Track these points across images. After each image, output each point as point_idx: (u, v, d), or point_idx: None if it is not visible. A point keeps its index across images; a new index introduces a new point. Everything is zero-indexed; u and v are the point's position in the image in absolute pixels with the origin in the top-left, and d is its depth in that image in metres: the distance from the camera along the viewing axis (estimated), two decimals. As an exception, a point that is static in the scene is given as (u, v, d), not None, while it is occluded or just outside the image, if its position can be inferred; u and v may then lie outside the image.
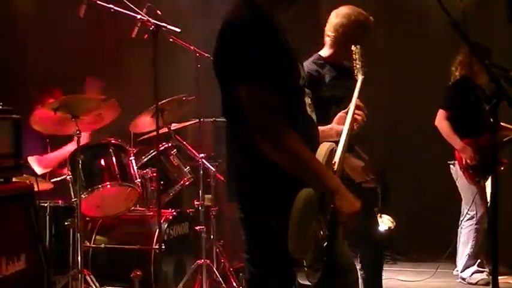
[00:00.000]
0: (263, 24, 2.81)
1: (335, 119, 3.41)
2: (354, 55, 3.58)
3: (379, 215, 7.41)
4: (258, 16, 2.83)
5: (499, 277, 2.91)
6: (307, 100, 2.99)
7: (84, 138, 5.21)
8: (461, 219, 5.91)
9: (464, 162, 5.78)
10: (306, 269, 2.82)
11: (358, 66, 3.57)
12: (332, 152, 2.98)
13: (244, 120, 2.76)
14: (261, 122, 2.72)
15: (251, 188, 2.89)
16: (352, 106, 3.34)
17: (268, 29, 2.82)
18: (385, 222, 7.37)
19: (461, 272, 6.02)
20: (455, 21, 2.91)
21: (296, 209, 2.73)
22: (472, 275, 5.98)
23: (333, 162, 2.99)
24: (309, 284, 2.90)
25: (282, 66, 2.82)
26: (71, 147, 5.46)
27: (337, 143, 3.11)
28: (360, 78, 3.54)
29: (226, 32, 2.83)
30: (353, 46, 3.60)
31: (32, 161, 5.28)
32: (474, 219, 5.92)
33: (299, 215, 2.73)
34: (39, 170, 5.36)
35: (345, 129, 3.22)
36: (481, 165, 5.63)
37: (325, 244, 2.88)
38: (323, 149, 2.93)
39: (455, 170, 5.89)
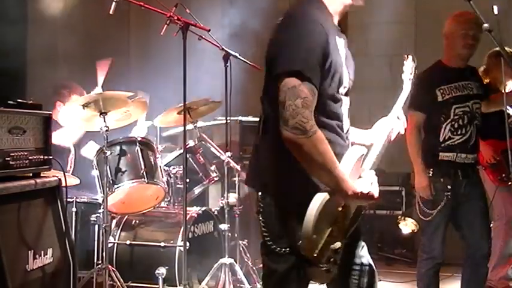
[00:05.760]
0: (323, 27, 2.85)
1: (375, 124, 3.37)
2: (406, 64, 3.54)
3: (403, 218, 7.39)
4: (321, 17, 2.90)
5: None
6: (345, 108, 3.02)
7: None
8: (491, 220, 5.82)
9: (485, 162, 5.71)
10: (316, 267, 2.85)
11: (408, 75, 3.54)
12: (361, 158, 3.00)
13: (277, 111, 2.78)
14: (292, 115, 2.72)
15: (274, 180, 2.92)
16: (393, 115, 3.33)
17: (326, 32, 2.85)
18: (409, 226, 7.34)
19: (489, 274, 5.89)
20: (489, 28, 2.91)
21: (314, 206, 2.75)
22: (500, 279, 5.89)
23: (362, 168, 3.02)
24: (319, 283, 2.98)
25: (327, 71, 2.84)
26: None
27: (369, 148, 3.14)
28: (407, 88, 3.50)
29: (285, 25, 2.90)
30: (405, 56, 3.57)
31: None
32: (503, 219, 5.83)
33: (316, 214, 2.74)
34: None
35: (381, 141, 3.21)
36: (505, 165, 5.54)
37: (339, 246, 2.92)
38: (353, 153, 2.95)
39: (482, 173, 5.83)
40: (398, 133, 3.35)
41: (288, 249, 2.89)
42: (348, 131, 3.07)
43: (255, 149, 3.10)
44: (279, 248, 2.91)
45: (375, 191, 2.92)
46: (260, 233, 2.99)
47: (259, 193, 2.97)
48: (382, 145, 3.19)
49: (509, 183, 5.48)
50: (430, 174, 4.82)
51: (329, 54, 2.85)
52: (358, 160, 2.98)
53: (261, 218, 2.96)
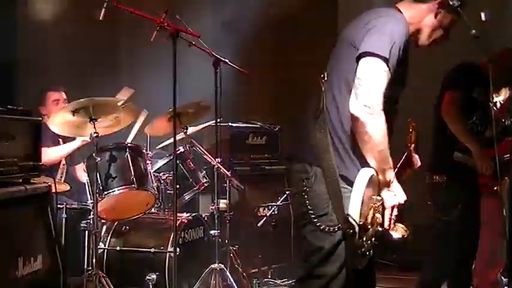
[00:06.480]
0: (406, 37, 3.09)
1: None
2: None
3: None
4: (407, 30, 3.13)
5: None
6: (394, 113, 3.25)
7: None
8: None
9: None
10: (358, 240, 3.00)
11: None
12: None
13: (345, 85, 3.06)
14: (368, 94, 2.92)
15: (326, 155, 3.06)
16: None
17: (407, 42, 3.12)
18: (399, 231, 7.33)
19: (477, 280, 5.90)
20: (478, 35, 2.95)
21: (363, 177, 2.98)
22: (490, 285, 5.87)
23: None
24: (354, 265, 3.11)
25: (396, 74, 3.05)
26: (74, 144, 5.48)
27: None
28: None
29: (384, 16, 3.12)
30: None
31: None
32: (489, 224, 5.81)
33: (365, 182, 2.97)
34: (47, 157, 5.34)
35: None
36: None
37: (373, 234, 3.08)
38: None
39: None
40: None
41: (333, 227, 3.06)
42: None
43: (308, 121, 3.24)
44: (324, 226, 3.07)
45: (399, 196, 3.13)
46: (304, 213, 3.14)
47: (305, 172, 3.13)
48: None
49: (495, 188, 5.50)
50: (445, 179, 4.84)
51: (406, 58, 3.12)
52: None
53: (305, 197, 3.13)
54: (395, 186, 3.12)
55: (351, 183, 3.01)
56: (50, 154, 5.43)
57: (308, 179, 3.12)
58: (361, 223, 2.97)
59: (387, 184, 3.08)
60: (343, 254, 3.09)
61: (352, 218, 2.94)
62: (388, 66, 2.95)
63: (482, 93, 4.79)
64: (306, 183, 3.13)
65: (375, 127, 2.93)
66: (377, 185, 3.07)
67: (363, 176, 2.98)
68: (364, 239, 3.02)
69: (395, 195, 3.11)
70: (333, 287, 3.11)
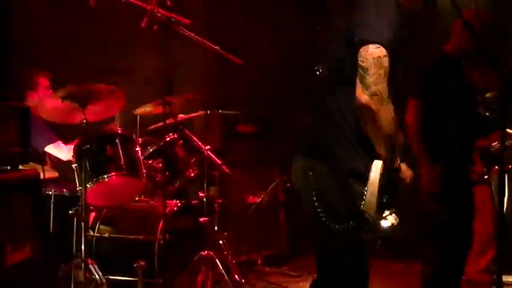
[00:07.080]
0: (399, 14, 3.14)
1: None
2: None
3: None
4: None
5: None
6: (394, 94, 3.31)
7: None
8: None
9: None
10: (370, 233, 3.07)
11: None
12: None
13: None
14: (375, 82, 2.96)
15: (334, 148, 3.11)
16: None
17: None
18: (388, 220, 7.35)
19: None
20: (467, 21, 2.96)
21: (377, 169, 3.01)
22: (479, 272, 5.89)
23: None
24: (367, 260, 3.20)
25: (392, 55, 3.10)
26: None
27: None
28: None
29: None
30: None
31: (57, 146, 5.25)
32: (483, 213, 5.83)
33: (379, 175, 3.00)
34: (64, 156, 5.32)
35: None
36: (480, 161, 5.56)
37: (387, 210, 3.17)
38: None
39: None
40: None
41: (343, 225, 3.05)
42: None
43: (311, 118, 3.25)
44: (334, 223, 3.07)
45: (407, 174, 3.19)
46: (312, 210, 3.12)
47: (312, 168, 3.12)
48: None
49: (485, 177, 5.51)
50: None
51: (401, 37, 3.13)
52: None
53: (313, 193, 3.11)
54: (402, 167, 3.17)
55: (359, 177, 3.02)
56: (66, 152, 5.41)
57: (315, 175, 3.10)
58: (374, 215, 3.00)
59: (396, 171, 3.11)
60: (353, 252, 3.10)
61: (369, 213, 2.97)
62: (387, 49, 2.96)
63: (458, 81, 4.74)
64: (313, 179, 3.11)
65: (385, 114, 2.95)
66: (386, 176, 3.07)
67: (376, 169, 3.00)
68: (376, 230, 3.07)
69: (404, 176, 3.16)
70: (346, 285, 3.15)
